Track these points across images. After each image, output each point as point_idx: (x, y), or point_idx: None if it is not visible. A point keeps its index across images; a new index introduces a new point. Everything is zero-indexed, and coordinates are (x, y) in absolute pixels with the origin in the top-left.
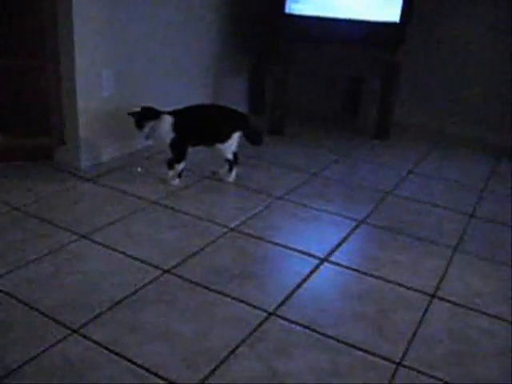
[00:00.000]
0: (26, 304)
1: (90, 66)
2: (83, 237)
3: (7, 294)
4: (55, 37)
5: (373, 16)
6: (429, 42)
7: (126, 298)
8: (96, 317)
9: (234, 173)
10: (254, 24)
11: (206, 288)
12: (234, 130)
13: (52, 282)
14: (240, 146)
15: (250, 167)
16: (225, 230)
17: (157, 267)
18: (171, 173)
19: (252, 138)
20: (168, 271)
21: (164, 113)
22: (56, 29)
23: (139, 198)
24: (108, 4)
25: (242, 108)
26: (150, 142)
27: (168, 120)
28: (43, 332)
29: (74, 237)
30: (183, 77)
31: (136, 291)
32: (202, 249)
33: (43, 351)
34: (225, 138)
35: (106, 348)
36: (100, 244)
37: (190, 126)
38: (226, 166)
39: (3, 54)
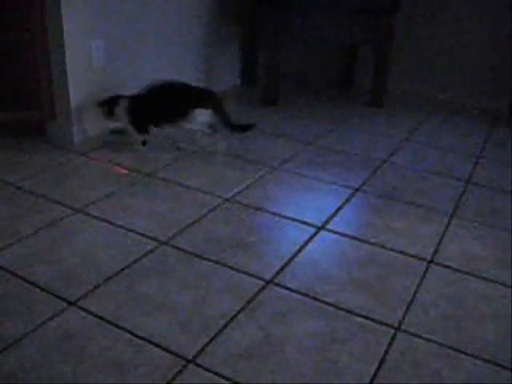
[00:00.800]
0: (22, 278)
1: (80, 39)
2: (78, 211)
3: (3, 268)
4: (42, 9)
5: None
6: (423, 8)
7: (122, 269)
8: (93, 289)
9: (220, 144)
10: None
11: (203, 258)
12: (194, 107)
13: (48, 257)
14: (233, 116)
15: (244, 138)
16: (220, 200)
17: (153, 239)
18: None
19: (223, 120)
20: (165, 243)
21: (122, 97)
22: (43, 3)
23: (134, 170)
24: None
25: (234, 79)
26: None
27: (123, 103)
28: (41, 305)
29: (69, 211)
30: (174, 48)
31: (133, 263)
32: (198, 220)
33: (41, 324)
34: (185, 114)
35: (104, 319)
36: (95, 217)
37: (145, 107)
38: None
39: None
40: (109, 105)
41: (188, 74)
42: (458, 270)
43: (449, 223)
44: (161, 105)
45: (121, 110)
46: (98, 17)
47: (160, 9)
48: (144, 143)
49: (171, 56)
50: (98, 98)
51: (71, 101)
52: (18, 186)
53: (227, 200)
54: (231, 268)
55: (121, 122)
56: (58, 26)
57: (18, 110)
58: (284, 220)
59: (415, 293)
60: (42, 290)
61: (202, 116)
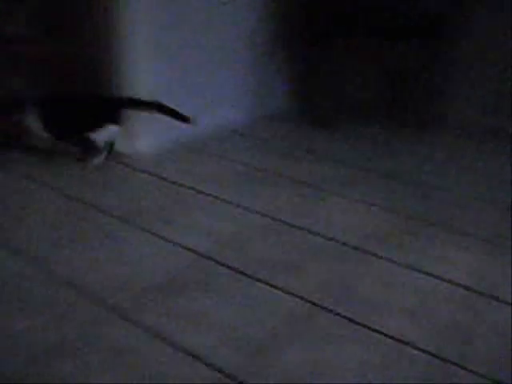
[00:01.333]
0: (71, 285)
1: (141, 57)
2: (128, 223)
3: (57, 275)
4: (110, 29)
5: None
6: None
7: (168, 282)
8: (139, 300)
9: (100, 157)
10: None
11: (249, 277)
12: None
13: (98, 265)
14: (288, 137)
15: (298, 160)
16: (269, 220)
17: (199, 254)
18: None
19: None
20: (211, 258)
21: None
22: (109, 22)
23: (185, 187)
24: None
25: (285, 101)
26: None
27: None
28: (92, 314)
29: (120, 223)
30: (235, 60)
31: (178, 276)
32: (248, 238)
33: (93, 333)
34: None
35: (152, 332)
36: (145, 230)
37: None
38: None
39: (58, 43)
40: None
41: (239, 92)
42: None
43: (491, 251)
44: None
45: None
46: (161, 36)
47: (214, 26)
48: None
49: (225, 76)
50: None
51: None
52: (67, 193)
53: (276, 219)
54: (277, 288)
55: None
56: (123, 45)
57: None
58: (331, 242)
59: (462, 323)
60: (93, 298)
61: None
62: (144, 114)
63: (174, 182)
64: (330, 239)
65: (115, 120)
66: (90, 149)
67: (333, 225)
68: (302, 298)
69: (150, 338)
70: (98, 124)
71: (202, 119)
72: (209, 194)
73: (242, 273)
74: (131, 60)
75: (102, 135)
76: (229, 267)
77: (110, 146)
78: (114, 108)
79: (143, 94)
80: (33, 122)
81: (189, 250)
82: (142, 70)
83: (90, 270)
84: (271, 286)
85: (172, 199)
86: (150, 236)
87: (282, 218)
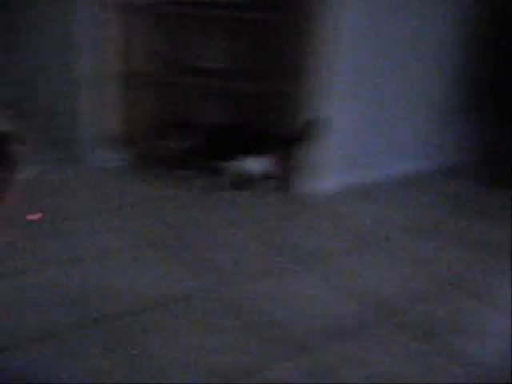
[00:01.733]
0: (252, 314)
1: (337, 99)
2: (304, 261)
3: (237, 301)
4: (310, 69)
5: None
6: None
7: (348, 328)
8: (319, 341)
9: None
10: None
11: (425, 340)
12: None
13: (278, 298)
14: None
15: (467, 216)
16: (446, 282)
17: (380, 305)
18: None
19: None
20: (391, 311)
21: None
22: (312, 62)
23: (361, 231)
24: (367, 42)
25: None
26: None
27: None
28: (270, 345)
29: (300, 257)
30: (416, 118)
31: (358, 325)
32: (423, 295)
33: (269, 364)
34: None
35: (316, 376)
36: (325, 269)
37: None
38: None
39: (249, 78)
40: None
41: (416, 144)
42: None
43: None
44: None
45: None
46: (355, 81)
47: (406, 79)
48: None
49: (411, 126)
50: None
51: (316, 155)
52: (254, 226)
53: (450, 284)
54: (453, 355)
55: None
56: (322, 85)
57: None
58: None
59: None
60: (272, 329)
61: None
62: (327, 157)
63: (353, 224)
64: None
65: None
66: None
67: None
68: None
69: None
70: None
71: (380, 166)
72: (383, 242)
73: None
74: (328, 99)
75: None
76: (401, 325)
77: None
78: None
79: (329, 131)
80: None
81: (366, 296)
82: (335, 109)
83: (267, 302)
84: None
85: (351, 241)
86: (331, 277)
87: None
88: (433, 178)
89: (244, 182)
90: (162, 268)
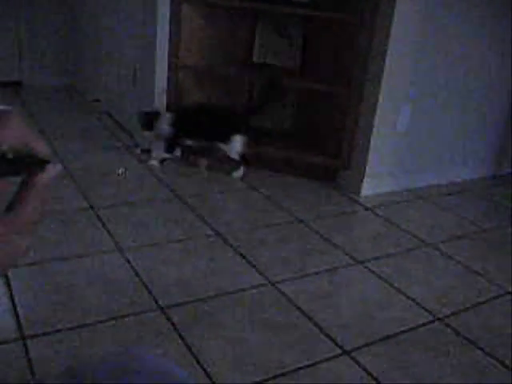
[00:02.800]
0: (303, 313)
1: (391, 101)
2: (359, 262)
3: (289, 299)
4: (365, 70)
5: None
6: None
7: (397, 334)
8: (367, 344)
9: (240, 170)
10: None
11: (479, 348)
12: (234, 133)
13: (329, 299)
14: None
15: None
16: (502, 291)
17: (429, 312)
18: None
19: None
20: (441, 319)
21: (163, 112)
22: (367, 63)
23: (414, 236)
24: (421, 43)
25: None
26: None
27: (166, 118)
28: (317, 344)
29: (351, 261)
30: (474, 124)
31: (407, 331)
32: (477, 305)
33: (316, 363)
34: (225, 139)
35: (373, 376)
36: (374, 274)
37: (187, 122)
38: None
39: (314, 78)
40: (150, 117)
41: (473, 150)
42: None
43: None
44: (202, 122)
45: (163, 123)
46: (412, 82)
47: (466, 83)
48: (162, 161)
49: (468, 131)
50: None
51: (368, 157)
52: (307, 224)
53: (509, 293)
54: (505, 366)
55: (157, 135)
56: (376, 87)
57: (317, 155)
58: None
59: None
60: (320, 329)
61: (238, 143)
62: (377, 161)
63: (403, 229)
64: None
65: (242, 131)
66: (232, 163)
67: None
68: None
69: (370, 381)
70: (227, 136)
71: (432, 171)
72: (436, 248)
73: (467, 339)
74: (383, 100)
75: (234, 147)
76: (455, 331)
77: (243, 156)
78: (243, 119)
79: (390, 131)
80: (162, 127)
81: (416, 303)
82: (389, 111)
83: (314, 301)
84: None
85: (402, 247)
86: (380, 281)
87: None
88: (486, 186)
89: (220, 163)
90: (216, 260)
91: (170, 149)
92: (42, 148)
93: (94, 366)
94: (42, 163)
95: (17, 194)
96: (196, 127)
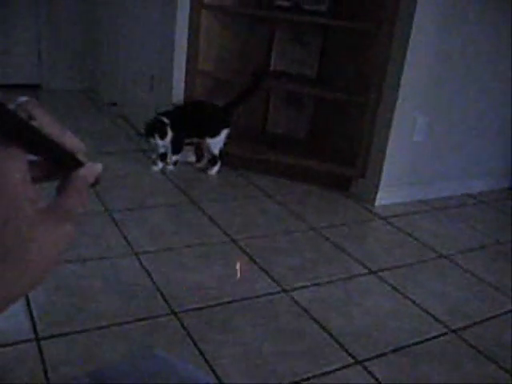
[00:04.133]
0: (316, 321)
1: (408, 111)
2: (372, 272)
3: (302, 307)
4: (382, 79)
5: None
6: None
7: (409, 345)
8: (380, 355)
9: (217, 167)
10: None
11: (492, 361)
12: (223, 127)
13: (342, 308)
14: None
15: None
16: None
17: (443, 324)
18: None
19: None
20: (454, 332)
21: (162, 117)
22: (385, 72)
23: (429, 247)
24: (439, 53)
25: None
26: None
27: (167, 122)
28: (329, 353)
29: (364, 270)
30: (490, 135)
31: (420, 342)
32: (491, 318)
33: (328, 372)
34: (214, 133)
35: None
36: (388, 284)
37: (184, 122)
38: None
39: (331, 87)
40: (159, 128)
41: (487, 161)
42: None
43: None
44: (196, 120)
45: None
46: (429, 93)
47: (482, 93)
48: (175, 163)
49: (484, 142)
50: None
51: (384, 166)
52: (319, 232)
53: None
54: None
55: (163, 141)
56: (393, 96)
57: (332, 163)
58: None
59: None
60: (333, 338)
61: (224, 138)
62: (392, 170)
63: (418, 240)
64: None
65: (228, 125)
66: (211, 159)
67: None
68: None
69: None
70: (217, 131)
71: (448, 181)
72: (451, 260)
73: (480, 352)
74: (401, 109)
75: (220, 142)
76: (468, 343)
77: (221, 153)
78: (228, 113)
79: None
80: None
81: (430, 315)
82: (404, 121)
83: (328, 309)
84: (507, 371)
85: (416, 258)
86: (394, 292)
87: None
88: (503, 198)
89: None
90: (231, 266)
91: (176, 150)
92: (72, 142)
93: (120, 370)
94: (73, 158)
95: (58, 187)
96: (190, 125)
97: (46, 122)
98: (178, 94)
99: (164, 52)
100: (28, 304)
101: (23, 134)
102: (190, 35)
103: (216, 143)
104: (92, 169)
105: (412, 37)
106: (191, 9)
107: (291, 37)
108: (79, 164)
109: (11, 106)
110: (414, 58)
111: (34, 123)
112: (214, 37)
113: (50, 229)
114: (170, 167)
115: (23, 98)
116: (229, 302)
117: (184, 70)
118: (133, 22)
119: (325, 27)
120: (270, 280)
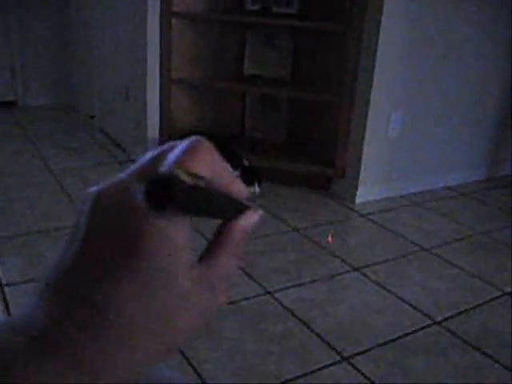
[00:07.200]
0: (301, 321)
1: (382, 108)
2: (355, 269)
3: (286, 308)
4: (355, 78)
5: None
6: None
7: (394, 339)
8: (366, 350)
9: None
10: None
11: (477, 349)
12: None
13: (326, 307)
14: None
15: None
16: (500, 293)
17: (427, 316)
18: None
19: None
20: (439, 323)
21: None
22: (357, 71)
23: (410, 241)
24: (409, 52)
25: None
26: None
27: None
28: (316, 352)
29: (347, 267)
30: (464, 127)
31: (405, 335)
32: (475, 307)
33: (315, 370)
34: None
35: (373, 383)
36: (371, 280)
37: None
38: None
39: (305, 88)
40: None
41: (471, 154)
42: None
43: None
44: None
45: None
46: (402, 89)
47: (457, 86)
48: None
49: (460, 135)
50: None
51: (362, 164)
52: (302, 233)
53: (507, 294)
54: (505, 367)
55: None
56: (366, 94)
57: (311, 164)
58: None
59: None
60: (318, 337)
61: None
62: (373, 166)
63: (399, 235)
64: None
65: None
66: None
67: None
68: None
69: None
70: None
71: (430, 175)
72: (432, 253)
73: (466, 342)
74: (374, 107)
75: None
76: (453, 334)
77: None
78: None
79: (381, 138)
80: None
81: (414, 308)
82: (382, 117)
83: (312, 309)
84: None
85: (398, 252)
86: (377, 287)
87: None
88: (481, 190)
89: None
90: None
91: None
92: (238, 188)
93: None
94: (239, 207)
95: (210, 243)
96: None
97: (214, 173)
98: (154, 103)
99: (137, 61)
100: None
101: (190, 200)
102: (161, 43)
103: None
104: (253, 217)
105: (382, 33)
106: (161, 17)
107: (263, 40)
108: (239, 210)
109: (167, 169)
110: (386, 54)
111: (200, 183)
112: (186, 44)
113: (201, 302)
114: None
115: (177, 152)
116: None
117: (158, 79)
118: (105, 33)
119: (295, 29)
120: (253, 283)
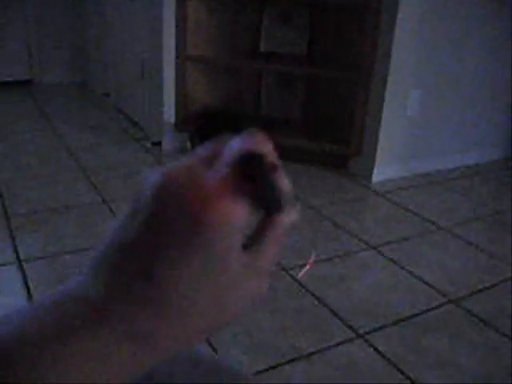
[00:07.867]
0: (316, 298)
1: (400, 86)
2: (372, 248)
3: (302, 285)
4: (373, 54)
5: None
6: None
7: (410, 317)
8: (381, 328)
9: None
10: None
11: (494, 328)
12: None
13: (341, 284)
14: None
15: None
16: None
17: (443, 295)
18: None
19: None
20: (455, 302)
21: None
22: (375, 47)
23: (427, 220)
24: (428, 28)
25: None
26: None
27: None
28: (332, 329)
29: (363, 246)
30: (485, 106)
31: (420, 313)
32: (491, 286)
33: (330, 347)
34: None
35: (387, 359)
36: (387, 258)
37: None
38: None
39: (321, 65)
40: None
41: (492, 133)
42: None
43: None
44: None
45: None
46: (420, 67)
47: (477, 63)
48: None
49: (478, 113)
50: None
51: (379, 143)
52: (319, 211)
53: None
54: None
55: None
56: (384, 72)
57: (327, 142)
58: None
59: None
60: (334, 314)
61: None
62: (389, 144)
63: (415, 214)
64: None
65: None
66: None
67: None
68: None
69: (385, 364)
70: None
71: (445, 154)
72: (449, 231)
73: (482, 320)
74: (393, 84)
75: None
76: (469, 312)
77: None
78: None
79: (397, 118)
80: None
81: (430, 286)
82: (398, 96)
83: (327, 286)
84: (508, 337)
85: (414, 231)
86: (393, 265)
87: None
88: (498, 169)
89: None
90: None
91: None
92: (285, 186)
93: None
94: (284, 201)
95: (255, 233)
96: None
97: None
98: (169, 82)
99: (153, 40)
100: (28, 292)
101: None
102: (177, 21)
103: None
104: (293, 214)
105: (400, 7)
106: None
107: (279, 17)
108: (279, 203)
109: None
110: (404, 30)
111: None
112: (202, 21)
113: (249, 287)
114: None
115: (248, 140)
116: None
117: (173, 57)
118: (121, 11)
119: (312, 5)
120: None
